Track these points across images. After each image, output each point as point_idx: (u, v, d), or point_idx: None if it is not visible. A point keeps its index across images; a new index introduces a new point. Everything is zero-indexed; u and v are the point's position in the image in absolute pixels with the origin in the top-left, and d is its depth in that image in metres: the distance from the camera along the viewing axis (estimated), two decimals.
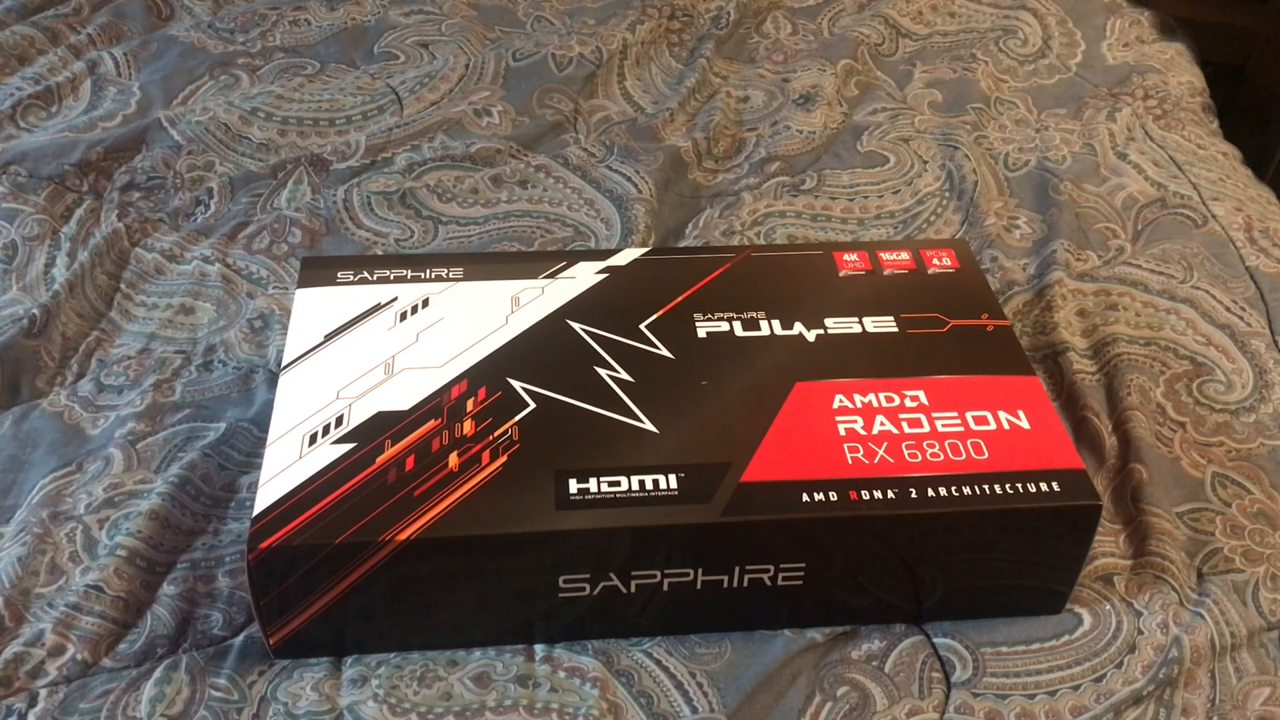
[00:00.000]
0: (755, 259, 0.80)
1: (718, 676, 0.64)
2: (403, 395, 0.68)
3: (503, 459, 0.64)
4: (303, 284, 0.77)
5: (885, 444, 0.66)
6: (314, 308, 0.74)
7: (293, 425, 0.66)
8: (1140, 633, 0.67)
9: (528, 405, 0.67)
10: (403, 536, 0.60)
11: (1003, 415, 0.68)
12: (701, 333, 0.73)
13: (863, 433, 0.66)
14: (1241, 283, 0.90)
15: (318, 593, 0.61)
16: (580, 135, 1.06)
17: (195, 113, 1.04)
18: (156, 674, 0.63)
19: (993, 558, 0.65)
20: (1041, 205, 0.99)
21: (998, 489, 0.63)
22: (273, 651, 0.64)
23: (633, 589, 0.64)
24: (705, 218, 0.97)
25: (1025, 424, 0.67)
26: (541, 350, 0.71)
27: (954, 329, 0.74)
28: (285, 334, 0.76)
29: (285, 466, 0.64)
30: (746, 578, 0.64)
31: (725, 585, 0.64)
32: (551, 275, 0.78)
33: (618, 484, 0.63)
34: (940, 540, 0.64)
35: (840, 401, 0.68)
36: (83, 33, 1.15)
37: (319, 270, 0.78)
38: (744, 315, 0.74)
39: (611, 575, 0.63)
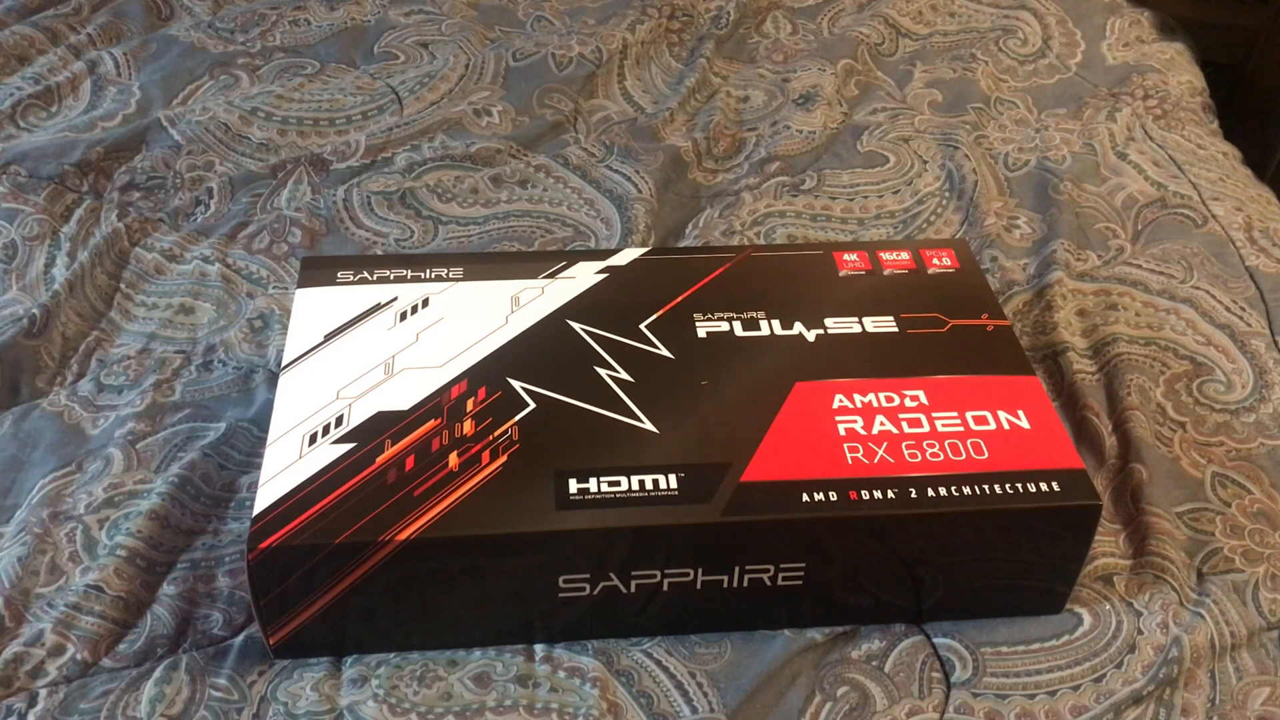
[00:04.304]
0: (755, 259, 0.80)
1: (718, 676, 0.64)
2: (403, 395, 0.68)
3: (503, 459, 0.64)
4: (303, 284, 0.77)
5: (885, 444, 0.66)
6: (314, 308, 0.74)
7: (293, 425, 0.66)
8: (1140, 633, 0.67)
9: (528, 405, 0.67)
10: (403, 536, 0.60)
11: (1003, 415, 0.68)
12: (701, 333, 0.73)
13: (863, 433, 0.66)
14: (1241, 283, 0.90)
15: (318, 593, 0.61)
16: (580, 135, 1.06)
17: (195, 112, 1.04)
18: (156, 674, 0.63)
19: (993, 558, 0.65)
20: (1041, 205, 0.99)
21: (998, 489, 0.63)
22: (273, 651, 0.64)
23: (633, 589, 0.64)
24: (705, 218, 0.97)
25: (1025, 424, 0.67)
26: (541, 350, 0.71)
27: (954, 329, 0.74)
28: (285, 334, 0.76)
29: (285, 466, 0.64)
30: (746, 578, 0.64)
31: (725, 585, 0.64)
32: (551, 275, 0.78)
33: (618, 484, 0.63)
34: (940, 540, 0.64)
35: (840, 401, 0.68)
36: (83, 33, 1.15)
37: (319, 270, 0.78)
38: (744, 315, 0.74)
39: (611, 575, 0.63)
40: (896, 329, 0.74)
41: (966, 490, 0.63)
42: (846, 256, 0.80)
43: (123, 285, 0.89)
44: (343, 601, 0.62)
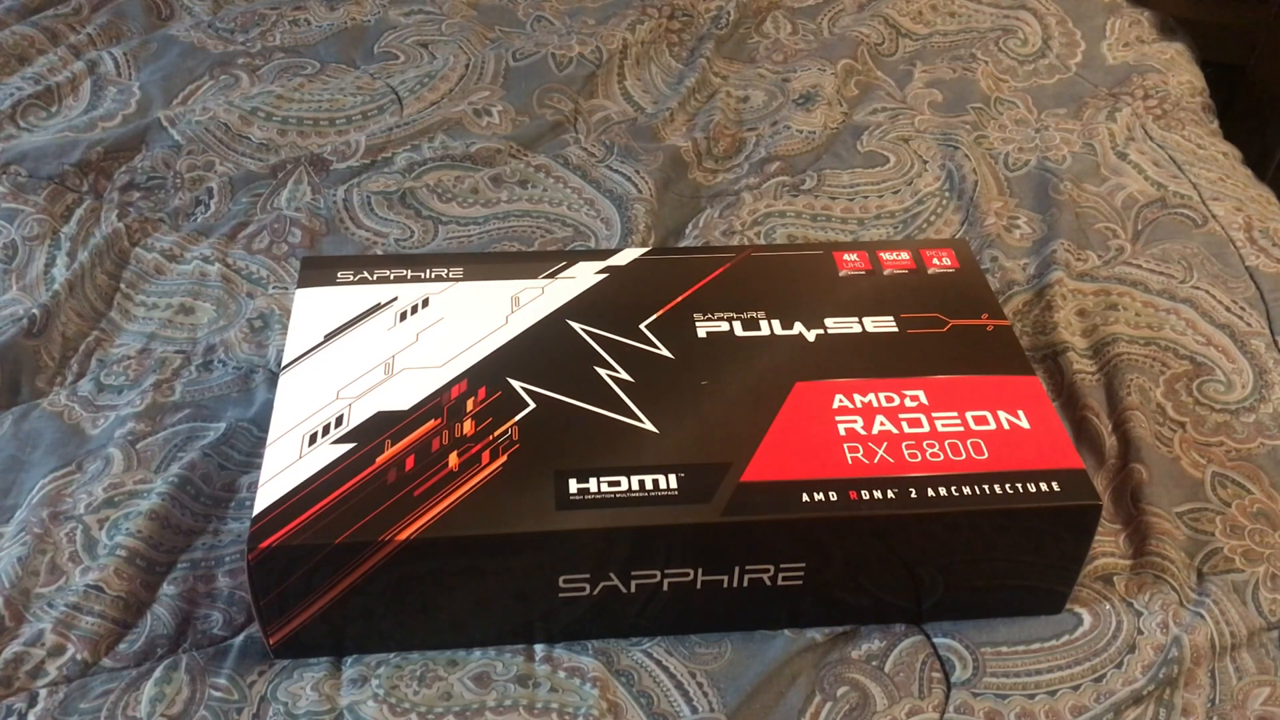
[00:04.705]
0: (755, 259, 0.80)
1: (718, 676, 0.64)
2: (403, 395, 0.68)
3: (503, 459, 0.64)
4: (303, 284, 0.77)
5: (885, 444, 0.66)
6: (314, 308, 0.74)
7: (293, 425, 0.66)
8: (1140, 633, 0.67)
9: (528, 405, 0.67)
10: (403, 536, 0.60)
11: (1003, 415, 0.68)
12: (701, 333, 0.73)
13: (863, 433, 0.66)
14: (1241, 283, 0.90)
15: (318, 593, 0.61)
16: (580, 135, 1.06)
17: (195, 112, 1.04)
18: (156, 674, 0.63)
19: (993, 558, 0.65)
20: (1041, 205, 0.99)
21: (998, 489, 0.63)
22: (273, 651, 0.64)
23: (633, 589, 0.64)
24: (705, 218, 0.97)
25: (1025, 424, 0.67)
26: (541, 350, 0.71)
27: (954, 329, 0.74)
28: (285, 334, 0.76)
29: (285, 466, 0.64)
30: (746, 578, 0.64)
31: (725, 585, 0.64)
32: (551, 275, 0.78)
33: (618, 484, 0.63)
34: (940, 540, 0.64)
35: (840, 401, 0.68)
36: (83, 32, 1.15)
37: (319, 270, 0.78)
38: (744, 315, 0.74)
39: (611, 575, 0.63)
40: (896, 329, 0.74)
41: (966, 490, 0.63)
42: (846, 256, 0.80)
43: (123, 285, 0.89)
44: (343, 601, 0.62)
